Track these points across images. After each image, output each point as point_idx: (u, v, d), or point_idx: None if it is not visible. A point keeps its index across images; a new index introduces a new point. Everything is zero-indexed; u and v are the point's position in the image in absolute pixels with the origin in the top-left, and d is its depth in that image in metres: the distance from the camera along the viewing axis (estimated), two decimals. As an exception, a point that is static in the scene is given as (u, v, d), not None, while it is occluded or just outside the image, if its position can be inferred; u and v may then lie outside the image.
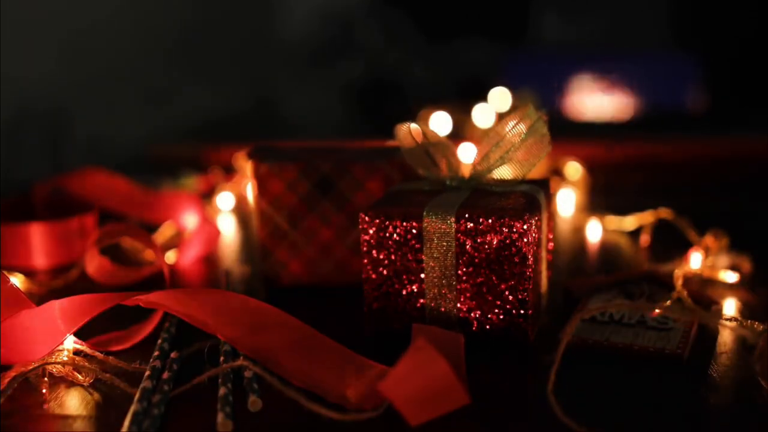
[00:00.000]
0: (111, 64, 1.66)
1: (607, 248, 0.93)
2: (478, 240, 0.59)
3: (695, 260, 0.79)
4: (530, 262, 0.59)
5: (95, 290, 0.81)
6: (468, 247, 0.60)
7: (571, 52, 2.38)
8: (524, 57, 2.36)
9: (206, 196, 1.21)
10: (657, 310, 0.65)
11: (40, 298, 0.77)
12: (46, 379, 0.57)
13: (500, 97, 1.57)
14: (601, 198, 1.17)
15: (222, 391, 0.53)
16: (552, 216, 0.70)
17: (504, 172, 0.65)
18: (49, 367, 0.57)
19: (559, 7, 2.45)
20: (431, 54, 2.41)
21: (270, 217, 0.76)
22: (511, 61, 2.30)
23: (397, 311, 0.63)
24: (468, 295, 0.61)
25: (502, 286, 0.60)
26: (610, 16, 2.40)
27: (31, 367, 0.57)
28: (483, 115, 1.51)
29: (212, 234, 0.93)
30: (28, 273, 0.84)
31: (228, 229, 1.06)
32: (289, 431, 0.51)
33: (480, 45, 2.39)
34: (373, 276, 0.62)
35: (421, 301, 0.62)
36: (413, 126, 0.68)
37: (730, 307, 0.70)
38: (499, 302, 0.60)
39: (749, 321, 0.64)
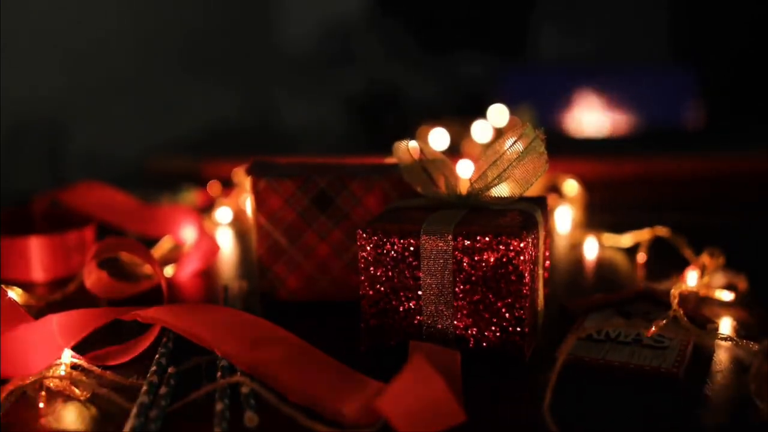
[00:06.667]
0: (110, 77, 1.67)
1: (603, 266, 0.93)
2: (475, 258, 0.60)
3: (691, 278, 0.79)
4: (527, 280, 0.60)
5: (93, 304, 0.81)
6: (465, 264, 0.60)
7: (569, 67, 2.39)
8: (522, 73, 2.37)
9: (205, 210, 1.21)
10: (653, 329, 0.65)
11: (38, 311, 0.77)
12: (43, 393, 0.57)
13: (498, 114, 1.58)
14: (598, 215, 1.17)
15: (219, 406, 0.53)
16: (549, 233, 0.71)
17: (501, 190, 0.65)
18: (47, 381, 0.58)
19: (558, 23, 2.46)
20: (430, 70, 2.42)
21: (268, 232, 0.76)
22: (509, 76, 2.31)
23: (394, 328, 0.63)
24: (465, 312, 0.61)
25: (499, 304, 0.60)
26: (608, 32, 2.42)
27: (28, 381, 0.57)
28: (481, 131, 1.52)
29: (210, 249, 0.94)
30: (26, 286, 0.84)
31: (226, 243, 1.06)
32: (285, 447, 0.51)
33: (478, 60, 2.40)
34: (371, 292, 0.63)
35: (418, 317, 0.62)
36: (411, 143, 0.68)
37: (725, 326, 0.71)
38: (495, 320, 0.60)
39: (745, 340, 0.64)
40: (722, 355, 0.63)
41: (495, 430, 0.52)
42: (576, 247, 1.00)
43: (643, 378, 0.59)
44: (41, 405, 0.56)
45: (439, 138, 1.46)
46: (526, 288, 0.60)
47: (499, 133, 1.51)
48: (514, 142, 0.65)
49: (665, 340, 0.63)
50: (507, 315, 0.60)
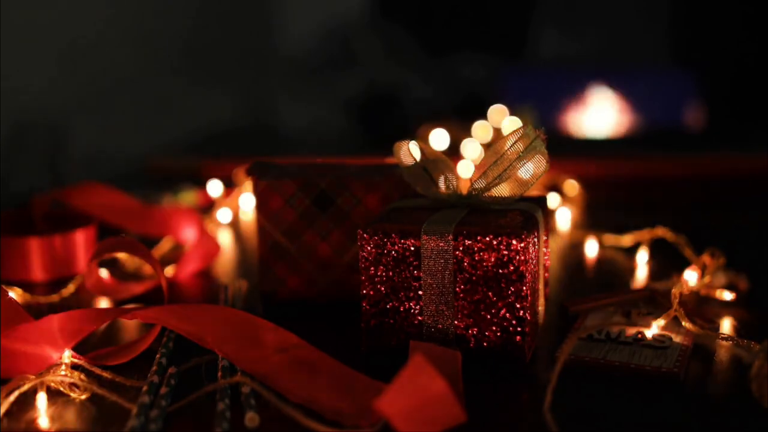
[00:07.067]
0: (110, 77, 1.67)
1: (604, 266, 0.93)
2: (476, 258, 0.60)
3: (692, 278, 0.79)
4: (527, 280, 0.60)
5: (93, 304, 0.81)
6: (465, 264, 0.60)
7: (569, 68, 2.39)
8: (523, 73, 2.37)
9: (205, 210, 1.21)
10: (653, 329, 0.65)
11: (38, 311, 0.77)
12: (43, 393, 0.57)
13: (498, 114, 1.58)
14: (599, 215, 1.17)
15: (219, 406, 0.53)
16: (549, 233, 0.71)
17: (502, 190, 0.65)
18: (47, 382, 0.57)
19: (558, 24, 2.46)
20: (430, 70, 2.41)
21: (269, 232, 0.76)
22: (509, 77, 2.31)
23: (395, 328, 0.63)
24: (465, 312, 0.61)
25: (500, 304, 0.60)
26: (608, 32, 2.41)
27: (28, 381, 0.57)
28: (481, 131, 1.52)
29: (211, 249, 0.94)
30: (27, 286, 0.84)
31: (226, 243, 1.06)
32: (285, 447, 0.51)
33: (478, 61, 2.40)
34: (371, 292, 0.63)
35: (419, 318, 0.62)
36: (412, 143, 0.68)
37: (726, 326, 0.71)
38: (496, 320, 0.60)
39: (746, 340, 0.64)
40: (723, 355, 0.63)
41: (495, 430, 0.52)
42: (576, 247, 1.00)
43: (643, 378, 0.59)
44: (41, 405, 0.56)
45: (439, 138, 1.46)
46: (527, 288, 0.60)
47: (499, 134, 1.51)
48: (515, 142, 0.64)
49: (666, 340, 0.63)
50: (507, 315, 0.60)
